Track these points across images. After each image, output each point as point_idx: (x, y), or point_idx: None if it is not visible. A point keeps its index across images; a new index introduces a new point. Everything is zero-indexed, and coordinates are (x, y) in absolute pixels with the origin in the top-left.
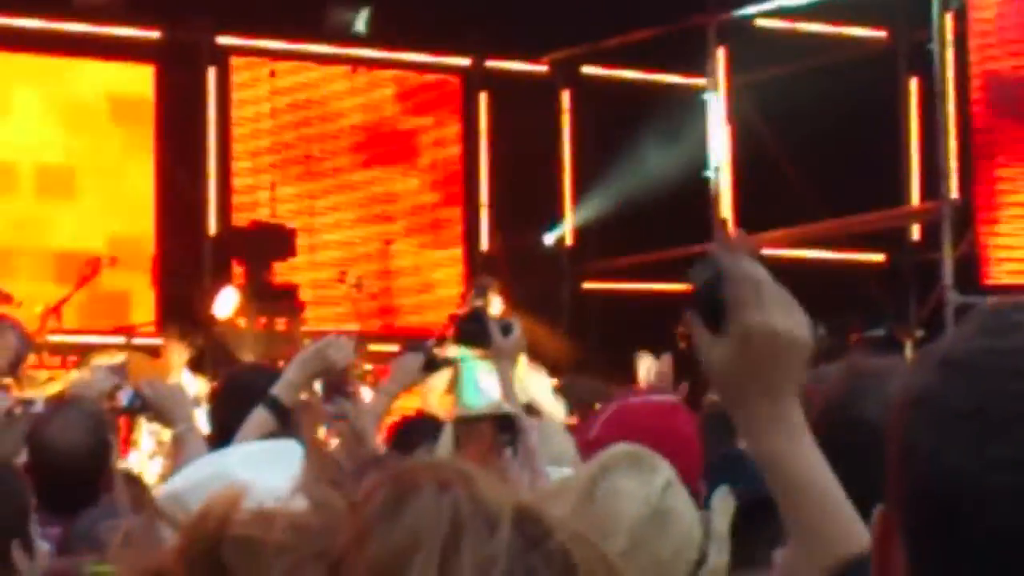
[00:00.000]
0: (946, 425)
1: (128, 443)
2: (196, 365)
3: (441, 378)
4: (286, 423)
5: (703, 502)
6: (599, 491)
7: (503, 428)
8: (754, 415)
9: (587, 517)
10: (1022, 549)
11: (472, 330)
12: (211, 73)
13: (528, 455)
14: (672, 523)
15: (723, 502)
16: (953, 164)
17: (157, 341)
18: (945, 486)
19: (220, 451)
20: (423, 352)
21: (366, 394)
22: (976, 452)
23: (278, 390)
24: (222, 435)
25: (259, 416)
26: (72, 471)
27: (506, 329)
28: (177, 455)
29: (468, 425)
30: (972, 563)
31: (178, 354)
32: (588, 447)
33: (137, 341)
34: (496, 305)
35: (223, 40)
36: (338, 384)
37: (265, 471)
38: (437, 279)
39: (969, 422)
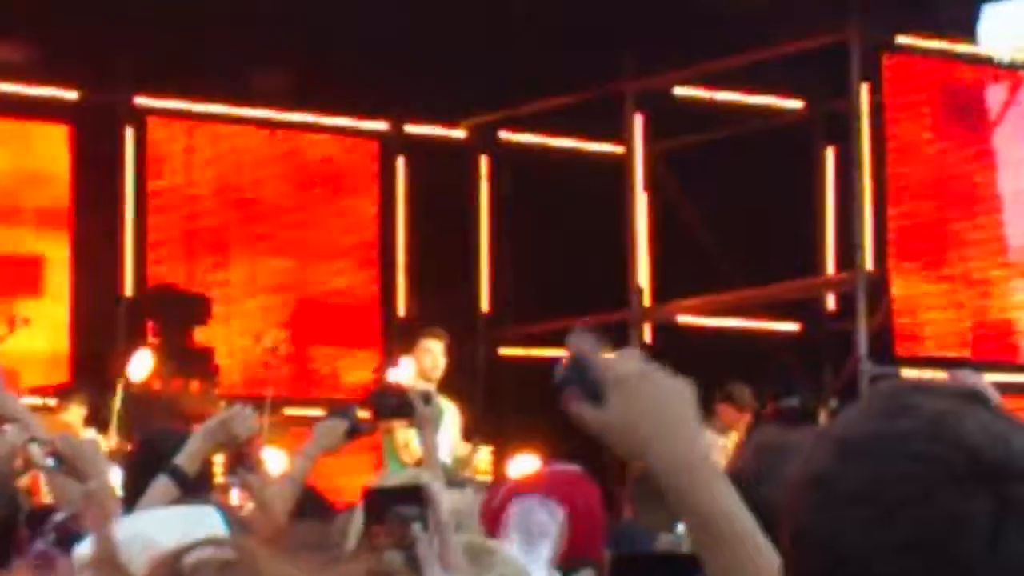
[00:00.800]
0: (840, 508)
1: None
2: (101, 425)
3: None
4: (188, 492)
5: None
6: None
7: (408, 501)
8: (659, 458)
9: None
10: None
11: (391, 404)
12: (128, 134)
13: (439, 527)
14: None
15: None
16: (868, 235)
17: (51, 401)
18: (840, 570)
19: (136, 514)
20: (348, 418)
21: (280, 458)
22: (868, 536)
23: (181, 459)
24: (133, 497)
25: (161, 484)
26: None
27: (426, 398)
28: (89, 511)
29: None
30: None
31: (76, 412)
32: (494, 515)
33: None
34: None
35: (141, 101)
36: (241, 455)
37: (186, 535)
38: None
39: (863, 505)
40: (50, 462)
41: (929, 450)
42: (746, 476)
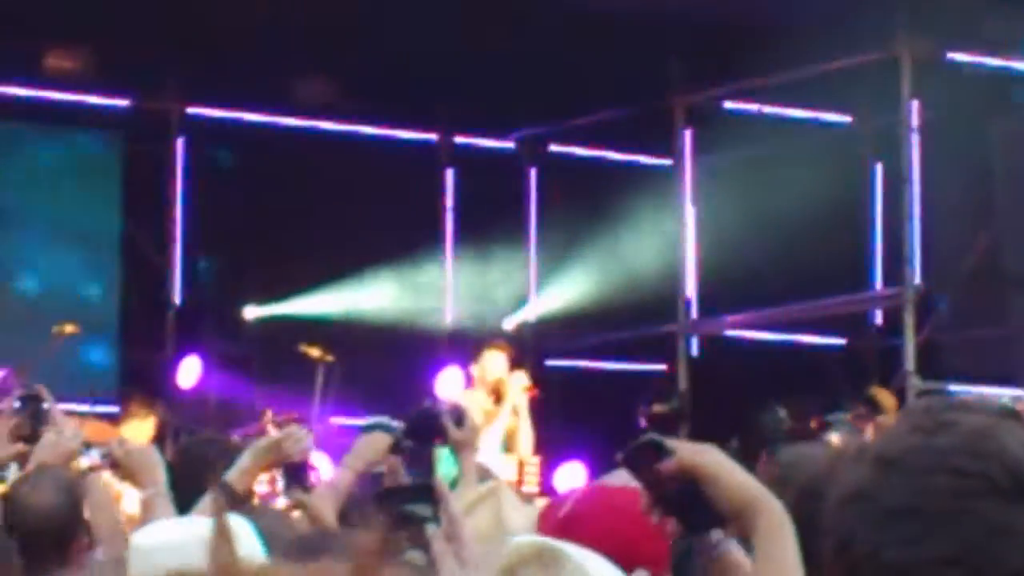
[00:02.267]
0: (884, 522)
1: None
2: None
3: None
4: (237, 509)
5: None
6: None
7: (419, 500)
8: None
9: None
10: None
11: (423, 428)
12: (179, 143)
13: (452, 524)
14: None
15: None
16: (916, 250)
17: (115, 409)
18: None
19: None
20: (392, 431)
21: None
22: (914, 550)
23: (231, 476)
24: (177, 505)
25: (211, 501)
26: (45, 533)
27: (458, 420)
28: (145, 519)
29: None
30: None
31: (143, 426)
32: (558, 526)
33: (98, 409)
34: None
35: (192, 110)
36: (296, 474)
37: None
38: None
39: (907, 520)
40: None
41: (970, 465)
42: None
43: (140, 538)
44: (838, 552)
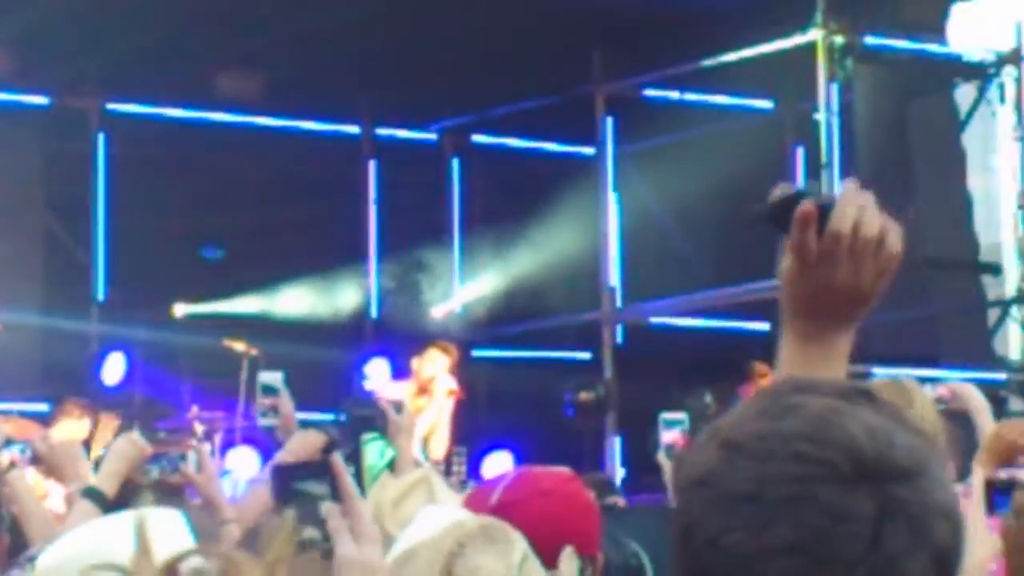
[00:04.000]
0: (726, 508)
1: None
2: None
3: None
4: (110, 511)
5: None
6: (458, 568)
7: (314, 476)
8: (805, 324)
9: None
10: None
11: (369, 415)
12: (100, 139)
13: (348, 500)
14: None
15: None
16: None
17: (41, 407)
18: (725, 568)
19: (101, 520)
20: (326, 434)
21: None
22: (754, 536)
23: (98, 480)
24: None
25: (82, 507)
26: None
27: (397, 407)
28: (69, 515)
29: None
30: None
31: (76, 426)
32: (491, 511)
33: (24, 407)
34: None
35: (112, 106)
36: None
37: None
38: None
39: (748, 505)
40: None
41: (811, 450)
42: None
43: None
44: (682, 537)
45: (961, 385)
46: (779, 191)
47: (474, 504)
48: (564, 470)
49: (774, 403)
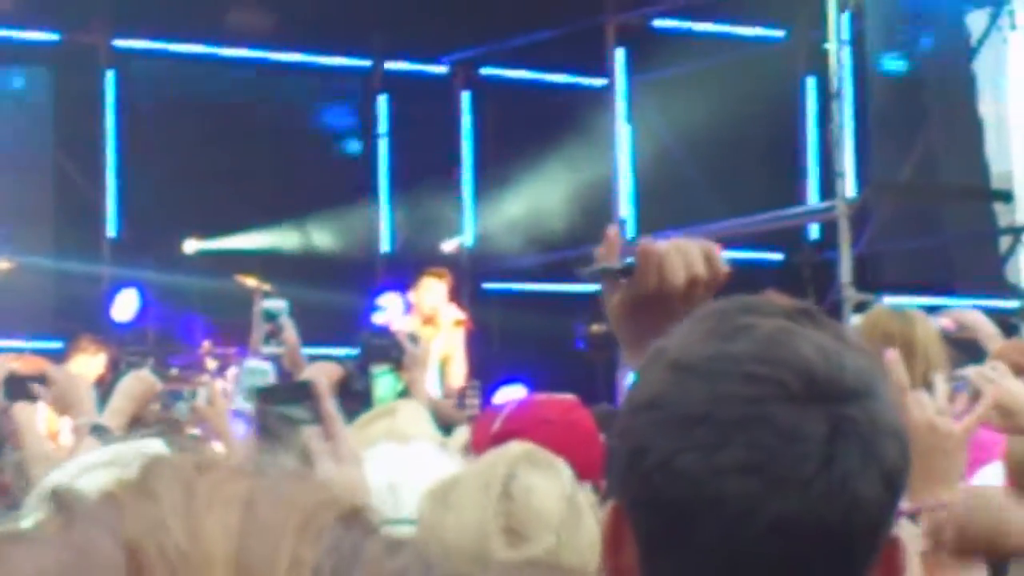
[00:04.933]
0: (678, 429)
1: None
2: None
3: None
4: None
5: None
6: (515, 489)
7: (295, 400)
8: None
9: (512, 516)
10: (751, 553)
11: (385, 345)
12: (109, 76)
13: (328, 421)
14: (584, 515)
15: None
16: (850, 163)
17: (54, 344)
18: (677, 490)
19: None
20: (342, 366)
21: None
22: (707, 457)
23: (105, 417)
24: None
25: (89, 443)
26: None
27: (413, 339)
28: (76, 447)
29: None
30: (702, 565)
31: (92, 362)
32: (492, 441)
33: (36, 344)
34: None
35: (121, 43)
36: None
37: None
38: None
39: (701, 427)
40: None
41: (762, 370)
42: None
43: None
44: (632, 461)
45: (966, 313)
46: (600, 264)
47: (478, 431)
48: (569, 398)
49: (723, 323)
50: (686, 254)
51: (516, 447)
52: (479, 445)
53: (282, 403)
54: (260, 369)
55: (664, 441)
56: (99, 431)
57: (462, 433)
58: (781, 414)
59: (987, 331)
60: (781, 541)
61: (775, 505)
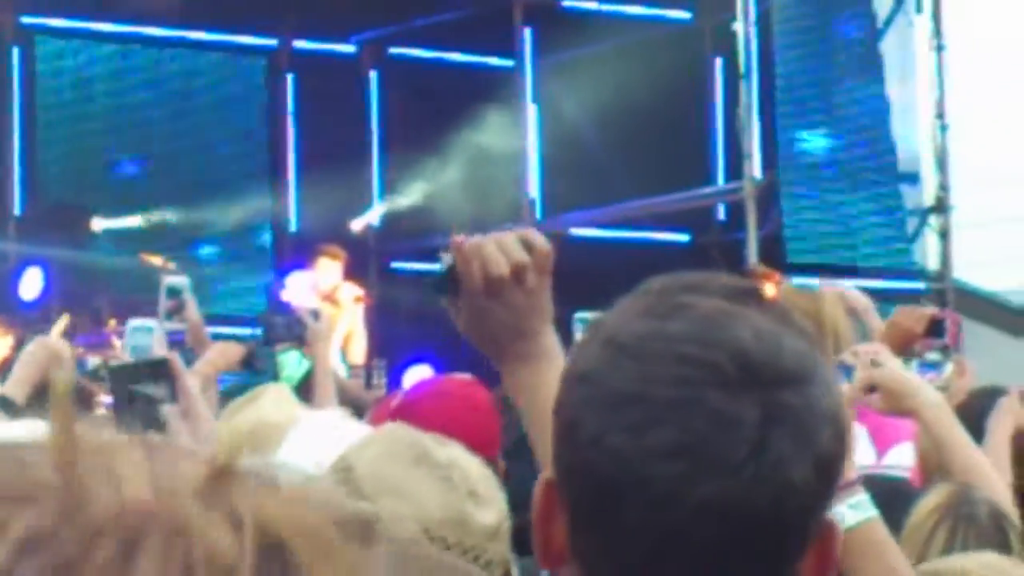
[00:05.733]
0: (609, 407)
1: None
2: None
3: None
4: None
5: (504, 475)
6: (441, 458)
7: (152, 378)
8: (506, 356)
9: (466, 481)
10: (677, 536)
11: (286, 323)
12: (15, 53)
13: (187, 400)
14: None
15: None
16: (756, 144)
17: None
18: (605, 468)
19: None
20: (244, 346)
21: None
22: (637, 438)
23: (7, 388)
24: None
25: None
26: None
27: (315, 315)
28: None
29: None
30: (629, 544)
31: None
32: (391, 416)
33: None
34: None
35: (27, 20)
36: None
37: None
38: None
39: (632, 406)
40: None
41: (697, 352)
42: None
43: None
44: (565, 433)
45: (835, 289)
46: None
47: (379, 409)
48: (466, 377)
49: (661, 302)
50: (502, 244)
51: (388, 430)
52: (378, 421)
53: (139, 381)
54: (144, 327)
55: (595, 418)
56: (3, 403)
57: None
58: (713, 398)
59: (862, 303)
60: (708, 525)
61: (703, 489)
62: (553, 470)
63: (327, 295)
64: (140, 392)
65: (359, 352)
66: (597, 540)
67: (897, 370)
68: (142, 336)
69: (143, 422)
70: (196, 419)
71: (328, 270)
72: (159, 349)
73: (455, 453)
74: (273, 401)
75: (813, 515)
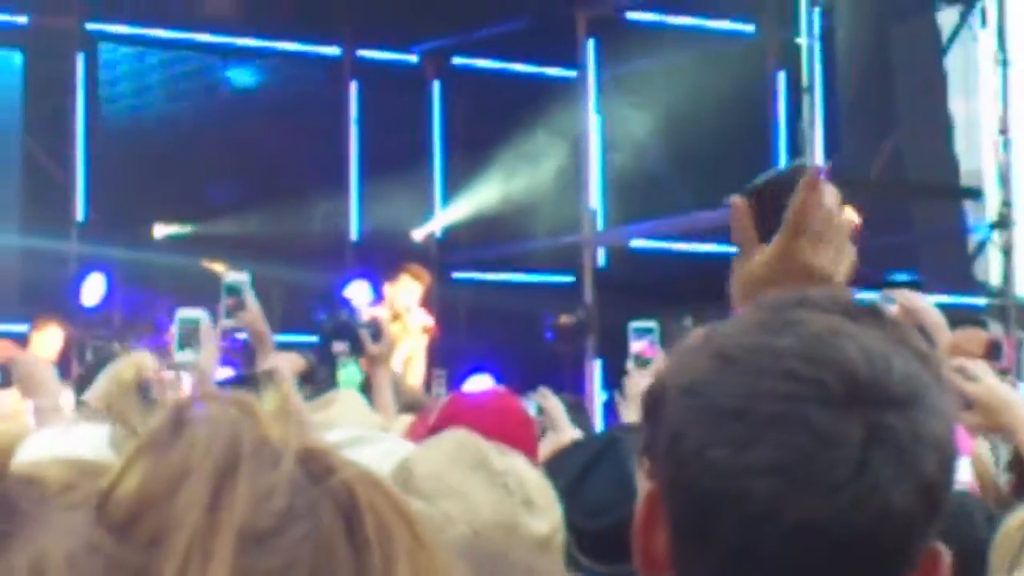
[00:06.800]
0: (713, 421)
1: None
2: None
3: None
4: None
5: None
6: (500, 465)
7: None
8: None
9: (521, 488)
10: (772, 555)
11: (337, 339)
12: (79, 59)
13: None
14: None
15: None
16: (819, 158)
17: (21, 328)
18: (705, 482)
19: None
20: (304, 358)
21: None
22: (738, 453)
23: (88, 397)
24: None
25: (51, 422)
26: None
27: (375, 333)
28: (38, 430)
29: None
30: (725, 560)
31: (49, 339)
32: (429, 432)
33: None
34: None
35: (92, 26)
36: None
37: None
38: None
39: (735, 421)
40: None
41: (804, 369)
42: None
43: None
44: (670, 444)
45: (914, 297)
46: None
47: (417, 427)
48: (499, 388)
49: (774, 317)
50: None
51: (452, 436)
52: (416, 438)
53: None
54: (191, 318)
55: (698, 430)
56: (81, 406)
57: (401, 423)
58: (817, 416)
59: (934, 319)
60: (804, 545)
61: (801, 508)
62: (657, 480)
63: (397, 314)
64: None
65: (416, 379)
66: (695, 553)
67: (995, 384)
68: (190, 325)
69: None
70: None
71: (407, 289)
72: (206, 340)
73: (515, 462)
74: (345, 408)
75: (914, 543)
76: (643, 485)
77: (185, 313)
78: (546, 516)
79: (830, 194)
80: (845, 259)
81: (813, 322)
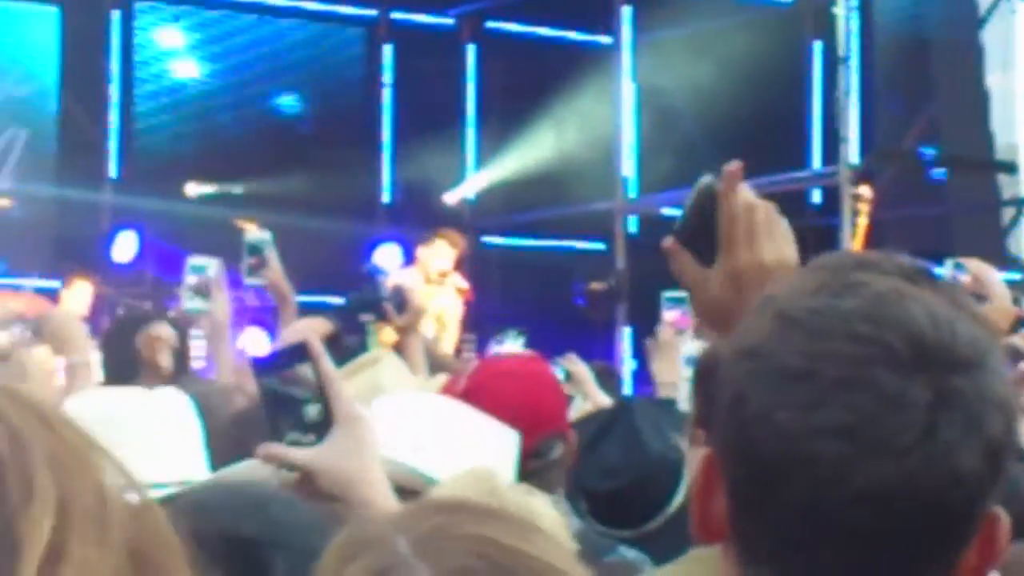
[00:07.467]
0: (777, 383)
1: None
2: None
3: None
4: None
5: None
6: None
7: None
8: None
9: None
10: (838, 519)
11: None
12: (115, 16)
13: (327, 382)
14: None
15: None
16: (855, 130)
17: (55, 284)
18: (771, 445)
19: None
20: (332, 322)
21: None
22: (804, 416)
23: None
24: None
25: (82, 378)
26: None
27: (400, 303)
28: (69, 387)
29: None
30: (788, 524)
31: (79, 294)
32: (461, 396)
33: (37, 283)
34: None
35: None
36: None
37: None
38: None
39: (800, 384)
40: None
41: (870, 331)
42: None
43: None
44: (731, 407)
45: (986, 269)
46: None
47: (446, 392)
48: (529, 352)
49: (835, 278)
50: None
51: (474, 471)
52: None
53: (281, 369)
54: (200, 265)
55: (762, 393)
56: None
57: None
58: (884, 378)
59: (1002, 291)
60: (871, 509)
61: (868, 472)
62: (716, 443)
63: (430, 276)
64: (285, 395)
65: (448, 347)
66: (756, 517)
67: None
68: (199, 273)
69: (289, 422)
70: (335, 399)
71: (442, 253)
72: (216, 289)
73: (530, 501)
74: (391, 369)
75: (978, 505)
76: (692, 455)
77: (195, 260)
78: None
79: (744, 189)
80: (787, 242)
81: (875, 284)
